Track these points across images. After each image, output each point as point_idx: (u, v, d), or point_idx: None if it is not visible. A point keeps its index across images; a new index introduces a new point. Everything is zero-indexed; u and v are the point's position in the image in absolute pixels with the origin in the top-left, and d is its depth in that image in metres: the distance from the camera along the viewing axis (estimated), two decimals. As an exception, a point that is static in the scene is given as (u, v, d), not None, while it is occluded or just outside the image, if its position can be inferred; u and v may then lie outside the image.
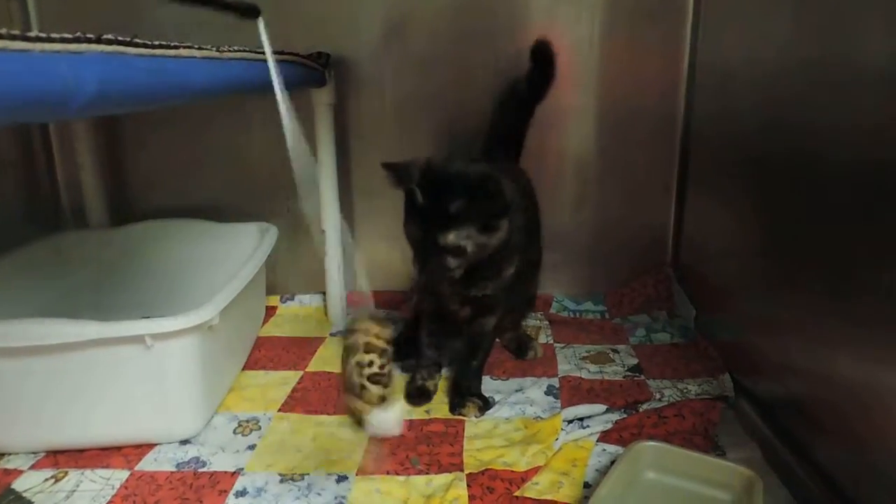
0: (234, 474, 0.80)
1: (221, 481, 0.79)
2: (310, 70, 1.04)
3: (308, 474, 0.80)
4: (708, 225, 1.19)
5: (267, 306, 1.30)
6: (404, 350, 1.03)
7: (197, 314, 0.80)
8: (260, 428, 0.90)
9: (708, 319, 1.16)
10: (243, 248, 1.13)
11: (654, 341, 1.17)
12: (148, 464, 0.82)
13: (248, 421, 0.92)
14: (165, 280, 1.16)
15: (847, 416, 0.73)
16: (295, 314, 1.30)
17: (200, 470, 0.81)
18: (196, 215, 1.26)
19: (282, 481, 0.79)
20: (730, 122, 1.06)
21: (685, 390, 0.97)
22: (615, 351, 1.13)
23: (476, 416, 0.93)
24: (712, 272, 1.16)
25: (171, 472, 0.80)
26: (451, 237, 0.82)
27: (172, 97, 0.61)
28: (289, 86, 0.70)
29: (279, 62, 0.86)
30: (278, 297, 1.33)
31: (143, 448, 0.85)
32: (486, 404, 0.95)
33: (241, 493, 0.77)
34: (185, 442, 0.87)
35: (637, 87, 1.26)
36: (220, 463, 0.82)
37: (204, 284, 1.03)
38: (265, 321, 1.25)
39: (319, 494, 0.76)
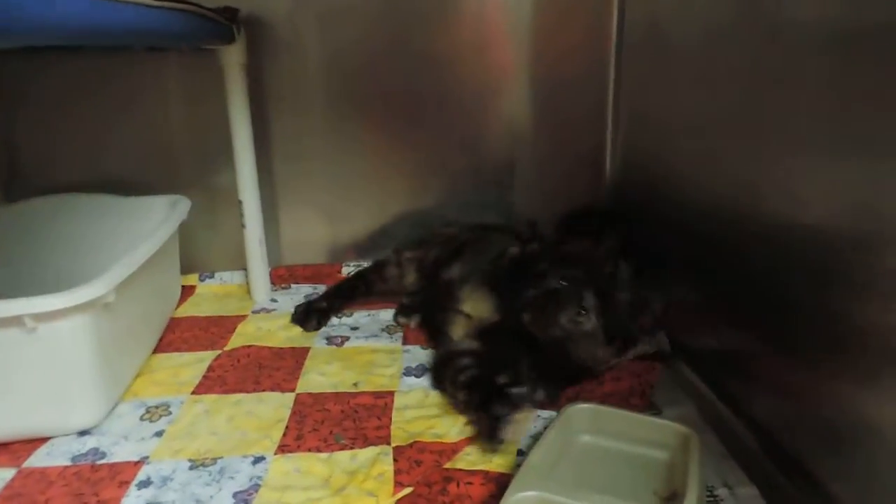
0: (138, 464, 0.73)
1: (122, 472, 0.71)
2: (214, 24, 0.96)
3: (221, 458, 0.74)
4: (639, 190, 1.16)
5: (184, 285, 1.21)
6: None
7: (85, 291, 0.72)
8: (170, 413, 0.83)
9: (641, 276, 1.13)
10: (152, 222, 1.04)
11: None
12: (39, 459, 0.74)
13: (157, 406, 0.84)
14: (65, 259, 1.07)
15: (780, 366, 0.72)
16: (215, 293, 1.22)
17: (99, 462, 0.73)
18: (106, 190, 1.16)
19: (191, 468, 0.72)
20: (662, 87, 1.04)
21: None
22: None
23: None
24: (646, 234, 1.13)
25: (66, 467, 0.73)
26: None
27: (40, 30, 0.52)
28: (191, 40, 0.62)
29: (176, 11, 0.79)
30: (197, 276, 1.25)
31: (36, 442, 0.77)
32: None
33: (145, 484, 0.70)
34: (83, 433, 0.79)
35: (569, 46, 1.22)
36: (121, 453, 0.75)
37: (107, 262, 0.94)
38: (182, 301, 1.17)
39: (232, 478, 0.70)
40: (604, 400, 0.83)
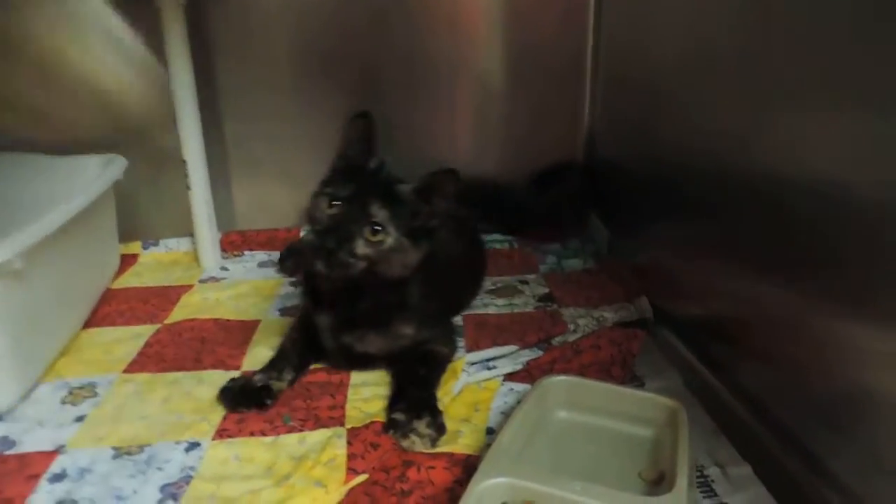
0: (52, 454, 0.63)
1: (33, 464, 0.62)
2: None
3: (150, 445, 0.65)
4: (620, 148, 1.08)
5: (125, 254, 1.11)
6: None
7: (-16, 255, 0.62)
8: (96, 395, 0.73)
9: (622, 243, 1.06)
10: (82, 183, 0.93)
11: (565, 268, 1.06)
12: (-61, 449, 0.64)
13: (81, 387, 0.75)
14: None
15: (771, 332, 0.65)
16: (159, 261, 1.12)
17: (7, 452, 0.64)
18: (36, 150, 1.04)
19: (115, 457, 0.63)
20: (640, 48, 0.95)
21: (601, 318, 0.87)
22: (524, 282, 1.01)
23: (426, 446, 0.65)
24: (626, 195, 1.06)
25: (-30, 458, 0.63)
26: (382, 215, 0.68)
27: None
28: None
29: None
30: (139, 244, 1.14)
31: (-63, 430, 0.67)
32: (439, 431, 0.66)
33: (58, 477, 0.60)
34: (-6, 419, 0.69)
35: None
36: (34, 442, 0.65)
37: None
38: (121, 271, 1.06)
39: (161, 469, 0.61)
40: (582, 371, 0.76)
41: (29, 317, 0.72)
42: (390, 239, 0.68)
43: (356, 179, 0.71)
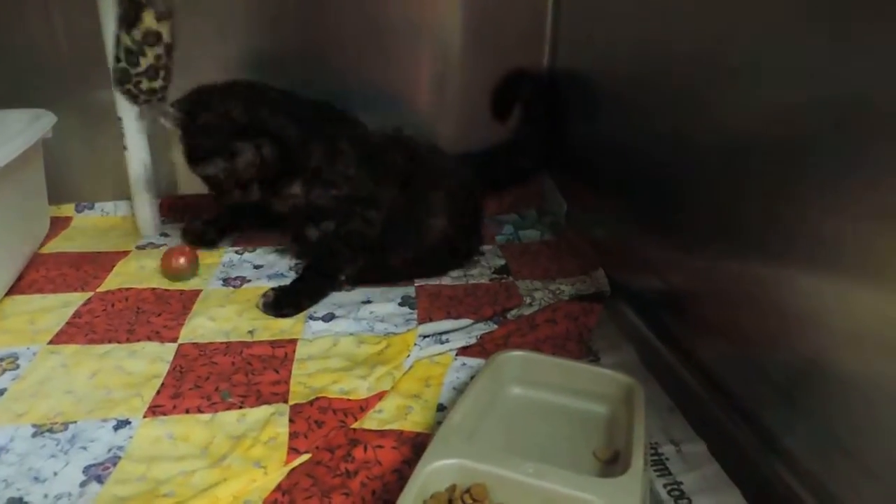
0: (-35, 431, 0.58)
1: (-58, 442, 0.57)
2: None
3: (75, 423, 0.60)
4: (580, 114, 1.05)
5: (56, 217, 1.03)
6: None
7: None
8: (17, 367, 0.68)
9: (579, 215, 1.04)
10: (4, 138, 0.86)
11: (522, 239, 1.04)
12: None
13: (2, 359, 0.69)
14: None
15: (729, 310, 0.64)
16: (94, 225, 1.05)
17: (-87, 430, 0.59)
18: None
19: (35, 435, 0.58)
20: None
21: (558, 291, 0.85)
22: (479, 252, 0.98)
23: (261, 309, 0.80)
24: (585, 166, 1.03)
25: None
26: (200, 168, 0.82)
27: None
28: None
29: None
30: (73, 206, 1.07)
31: None
32: (279, 303, 0.80)
33: (-29, 457, 0.56)
34: None
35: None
36: (-55, 418, 0.60)
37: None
38: (52, 235, 0.99)
39: (85, 448, 0.57)
40: (537, 346, 0.74)
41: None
42: (221, 174, 0.82)
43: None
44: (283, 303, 0.79)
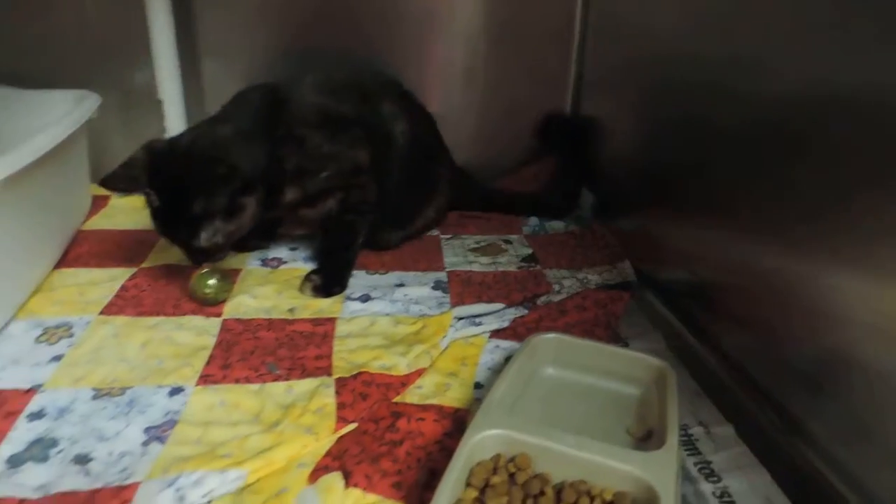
0: (29, 392, 0.61)
1: (10, 401, 0.60)
2: None
3: (132, 387, 0.63)
4: (607, 109, 1.08)
5: (96, 196, 1.06)
6: None
7: (-43, 184, 0.58)
8: (72, 335, 0.71)
9: (606, 206, 1.07)
10: (51, 118, 0.89)
11: (548, 230, 1.06)
12: None
13: (56, 327, 0.72)
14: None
15: (756, 303, 0.66)
16: (132, 205, 1.07)
17: (-19, 389, 0.62)
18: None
19: (95, 398, 0.62)
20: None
21: (585, 280, 0.87)
22: (507, 241, 1.01)
23: (311, 294, 0.82)
24: (611, 159, 1.06)
25: (-58, 396, 0.61)
26: (203, 239, 0.73)
27: None
28: None
29: None
30: (112, 185, 1.10)
31: None
32: (326, 285, 0.83)
33: (37, 416, 0.59)
34: (-36, 355, 0.66)
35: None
36: (10, 379, 0.63)
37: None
38: (93, 213, 1.03)
39: (143, 412, 0.60)
40: (567, 331, 0.75)
41: (3, 251, 0.68)
42: (222, 238, 0.74)
43: (161, 220, 0.74)
44: (330, 283, 0.83)
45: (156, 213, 0.74)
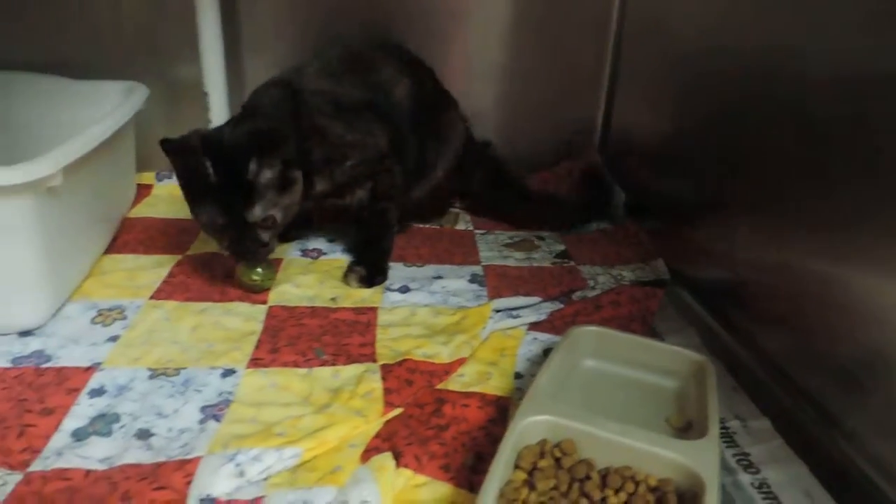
0: (89, 370, 0.64)
1: (72, 378, 0.63)
2: None
3: (185, 368, 0.66)
4: (641, 106, 1.09)
5: (139, 184, 1.09)
6: None
7: (29, 168, 0.61)
8: (125, 317, 0.74)
9: (638, 204, 1.08)
10: (102, 109, 0.92)
11: (580, 227, 1.07)
12: (-27, 360, 0.65)
13: (110, 309, 0.75)
14: None
15: (792, 302, 0.67)
16: (174, 194, 1.09)
17: (44, 366, 0.64)
18: (51, 72, 1.02)
19: (152, 377, 0.64)
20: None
21: (619, 276, 0.89)
22: (540, 238, 1.03)
23: (355, 285, 0.84)
24: (645, 157, 1.07)
25: (5, 370, 0.64)
26: (258, 211, 0.73)
27: None
28: None
29: None
30: (154, 174, 1.13)
31: (-34, 341, 0.67)
32: (371, 275, 0.85)
33: (98, 392, 0.61)
34: (25, 334, 0.69)
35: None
36: (70, 358, 0.66)
37: (48, 147, 0.82)
38: (137, 201, 1.05)
39: (199, 391, 0.62)
40: (603, 325, 0.77)
41: (60, 234, 0.71)
42: (279, 213, 0.75)
43: (212, 195, 0.73)
44: (373, 273, 0.85)
45: (206, 191, 0.73)
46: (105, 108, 0.91)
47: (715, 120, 0.83)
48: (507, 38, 1.16)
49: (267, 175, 0.73)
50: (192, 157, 0.73)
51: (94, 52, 1.08)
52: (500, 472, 0.49)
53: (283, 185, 0.75)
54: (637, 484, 0.50)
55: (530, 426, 0.54)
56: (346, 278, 0.85)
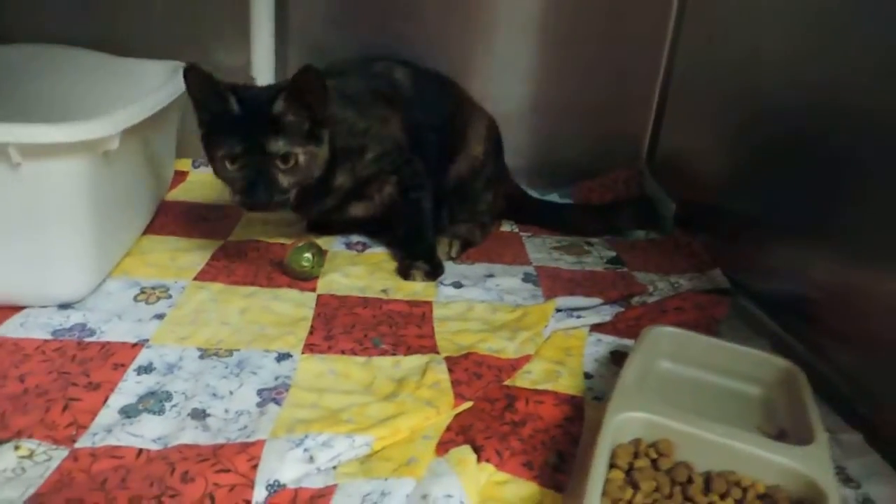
0: (137, 346, 0.60)
1: (117, 353, 0.58)
2: None
3: (238, 350, 0.61)
4: (694, 117, 1.06)
5: (176, 170, 1.06)
6: None
7: (89, 126, 0.58)
8: (170, 296, 0.70)
9: (689, 215, 1.04)
10: (146, 87, 0.88)
11: (628, 236, 1.04)
12: (10, 329, 0.60)
13: (153, 288, 0.71)
14: (38, 115, 0.90)
15: (867, 320, 0.64)
16: (209, 181, 1.06)
17: (88, 339, 0.60)
18: (98, 48, 0.99)
19: (202, 357, 0.60)
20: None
21: (677, 284, 0.85)
22: (589, 243, 0.99)
23: (422, 279, 0.81)
24: (698, 171, 1.04)
25: (45, 341, 0.59)
26: (281, 143, 0.70)
27: None
28: None
29: None
30: (190, 161, 1.09)
31: (5, 311, 0.63)
32: (433, 270, 0.82)
33: (146, 369, 0.57)
34: (64, 307, 0.65)
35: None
36: (115, 333, 0.62)
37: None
38: (173, 186, 1.02)
39: (255, 373, 0.58)
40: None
41: (108, 207, 0.67)
42: (301, 156, 0.71)
43: (233, 126, 0.70)
44: (434, 268, 0.82)
45: (227, 124, 0.70)
46: (147, 87, 0.88)
47: (776, 139, 0.80)
48: (561, 46, 1.13)
49: (291, 117, 0.71)
50: (215, 87, 0.70)
51: (143, 31, 1.05)
52: (601, 469, 0.45)
53: (308, 134, 0.72)
54: (745, 490, 0.46)
55: (625, 423, 0.50)
56: (408, 274, 0.81)
